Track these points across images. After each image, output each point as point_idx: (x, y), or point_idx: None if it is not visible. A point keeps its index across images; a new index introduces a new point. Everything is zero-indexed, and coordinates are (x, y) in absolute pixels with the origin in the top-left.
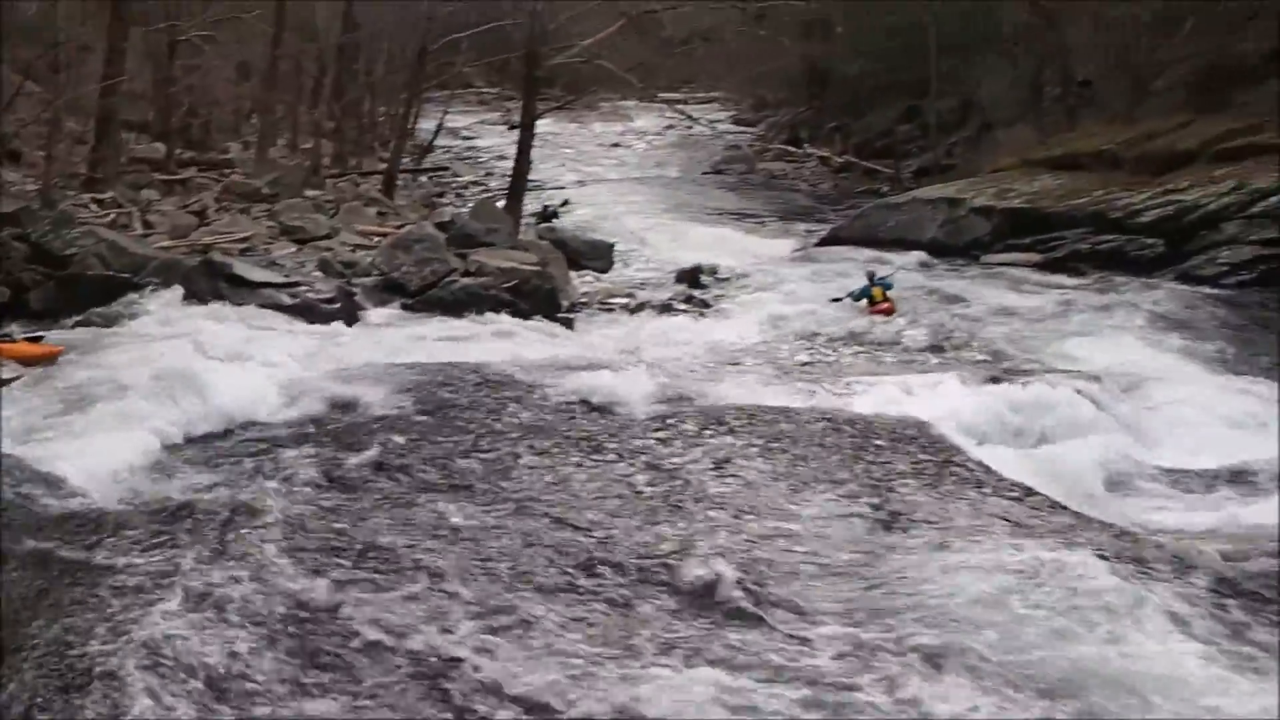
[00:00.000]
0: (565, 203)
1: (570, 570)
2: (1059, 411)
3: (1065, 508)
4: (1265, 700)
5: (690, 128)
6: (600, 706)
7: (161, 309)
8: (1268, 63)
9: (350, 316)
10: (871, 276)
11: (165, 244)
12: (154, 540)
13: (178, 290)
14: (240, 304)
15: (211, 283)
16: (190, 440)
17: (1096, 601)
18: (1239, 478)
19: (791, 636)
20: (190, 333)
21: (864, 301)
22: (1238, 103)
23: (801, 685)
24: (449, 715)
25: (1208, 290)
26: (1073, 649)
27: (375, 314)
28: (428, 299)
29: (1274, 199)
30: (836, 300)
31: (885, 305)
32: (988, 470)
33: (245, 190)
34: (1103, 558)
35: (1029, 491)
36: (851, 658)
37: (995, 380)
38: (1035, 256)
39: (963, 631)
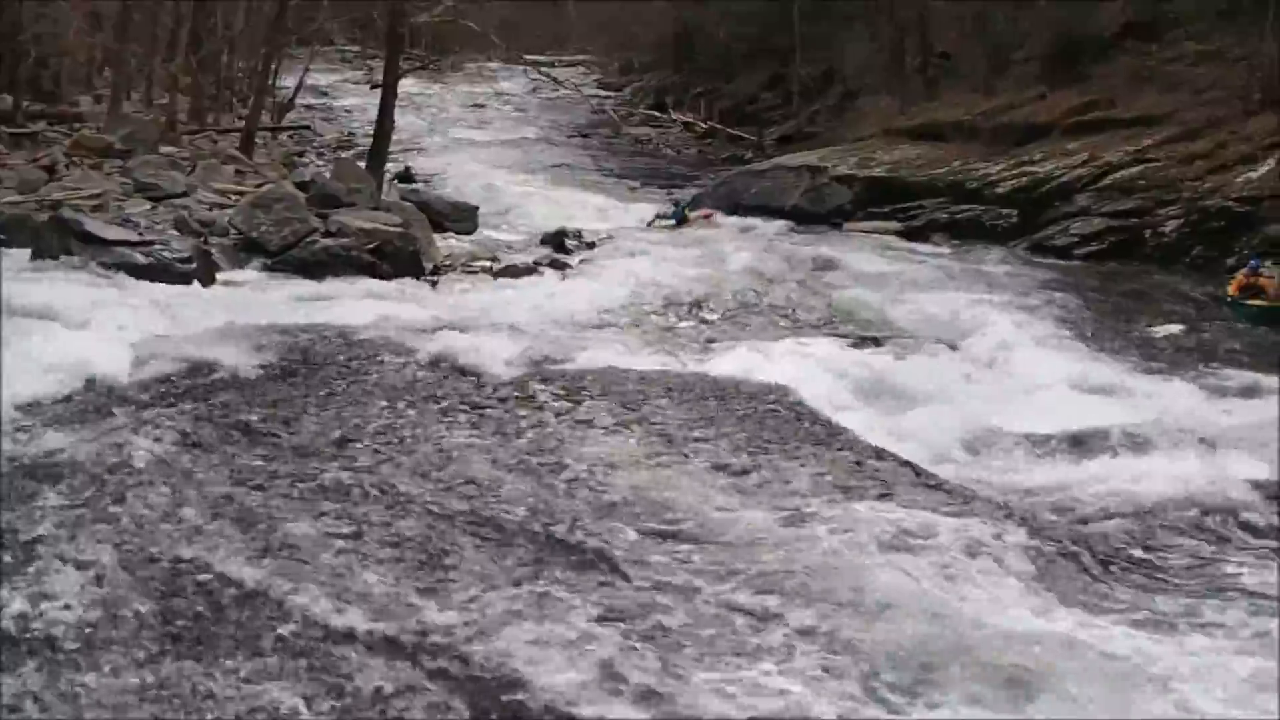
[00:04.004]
0: (409, 169)
1: (428, 530)
2: (915, 377)
3: (920, 469)
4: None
5: (556, 90)
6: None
7: (8, 266)
8: (1120, 37)
9: (207, 276)
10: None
11: (12, 199)
12: (14, 501)
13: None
14: (92, 262)
15: (62, 240)
16: (42, 404)
17: (941, 557)
18: (1087, 441)
19: (643, 589)
20: (39, 291)
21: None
22: (1091, 76)
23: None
24: (319, 676)
25: (1059, 261)
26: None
27: (233, 274)
28: (288, 259)
29: (1123, 172)
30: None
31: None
32: (846, 433)
33: (97, 145)
34: (953, 516)
35: (884, 454)
36: (709, 616)
37: (854, 345)
38: (895, 225)
39: (812, 591)
